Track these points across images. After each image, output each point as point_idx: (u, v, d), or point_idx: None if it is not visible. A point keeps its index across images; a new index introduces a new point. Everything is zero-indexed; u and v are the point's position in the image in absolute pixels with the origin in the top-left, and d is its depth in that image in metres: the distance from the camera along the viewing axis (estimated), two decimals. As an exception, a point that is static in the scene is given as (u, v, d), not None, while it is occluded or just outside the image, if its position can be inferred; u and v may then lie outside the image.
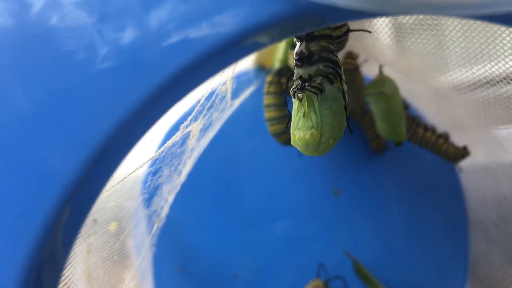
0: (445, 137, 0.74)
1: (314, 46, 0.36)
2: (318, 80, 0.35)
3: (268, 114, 0.70)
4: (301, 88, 0.35)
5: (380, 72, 0.66)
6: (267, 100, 0.70)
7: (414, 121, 0.75)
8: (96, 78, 0.26)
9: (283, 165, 0.83)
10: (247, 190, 0.83)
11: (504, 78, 0.56)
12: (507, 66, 0.52)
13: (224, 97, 0.59)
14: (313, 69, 0.35)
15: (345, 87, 0.36)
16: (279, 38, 0.31)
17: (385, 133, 0.66)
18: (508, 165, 0.69)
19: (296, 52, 0.37)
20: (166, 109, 0.30)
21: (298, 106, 0.36)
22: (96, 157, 0.26)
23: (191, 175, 0.75)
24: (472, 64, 0.58)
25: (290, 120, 0.67)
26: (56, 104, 0.26)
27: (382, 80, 0.64)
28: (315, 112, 0.35)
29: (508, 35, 0.47)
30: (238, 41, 0.28)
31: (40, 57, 0.27)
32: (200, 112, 0.46)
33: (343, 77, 0.36)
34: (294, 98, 0.36)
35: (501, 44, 0.49)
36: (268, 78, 0.70)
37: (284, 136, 0.70)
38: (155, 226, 0.60)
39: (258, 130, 0.79)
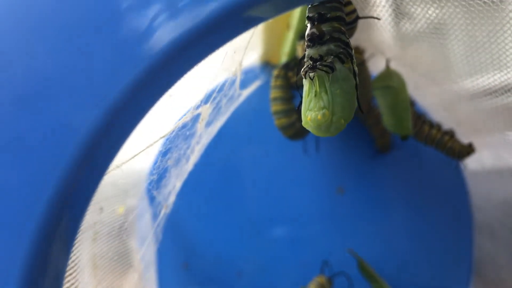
0: (450, 134, 0.74)
1: (325, 27, 0.36)
2: (330, 59, 0.35)
3: (274, 107, 0.70)
4: (313, 68, 0.35)
5: (387, 66, 0.66)
6: (273, 93, 0.70)
7: (420, 118, 0.75)
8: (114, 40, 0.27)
9: (288, 162, 0.83)
10: (252, 188, 0.83)
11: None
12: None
13: (233, 83, 0.60)
14: (324, 49, 0.36)
15: (356, 67, 0.37)
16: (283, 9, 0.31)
17: (391, 127, 0.66)
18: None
19: (307, 34, 0.37)
20: (175, 79, 0.30)
21: (309, 87, 0.36)
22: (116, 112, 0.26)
23: (196, 170, 0.75)
24: (477, 75, 0.59)
25: (297, 111, 0.68)
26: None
27: (389, 74, 0.64)
28: (326, 92, 0.35)
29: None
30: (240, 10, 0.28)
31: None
32: (210, 96, 0.46)
33: (354, 57, 0.36)
34: (305, 78, 0.36)
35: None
36: (275, 72, 0.70)
37: (290, 130, 0.70)
38: (162, 211, 0.60)
39: (264, 125, 0.79)
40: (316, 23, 0.36)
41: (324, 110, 0.35)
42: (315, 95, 0.35)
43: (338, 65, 0.35)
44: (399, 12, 0.57)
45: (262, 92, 0.78)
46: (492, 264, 0.78)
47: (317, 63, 0.35)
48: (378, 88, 0.64)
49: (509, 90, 0.58)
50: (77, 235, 0.53)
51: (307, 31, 0.36)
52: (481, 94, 0.63)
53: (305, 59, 0.37)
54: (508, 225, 0.73)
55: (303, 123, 0.37)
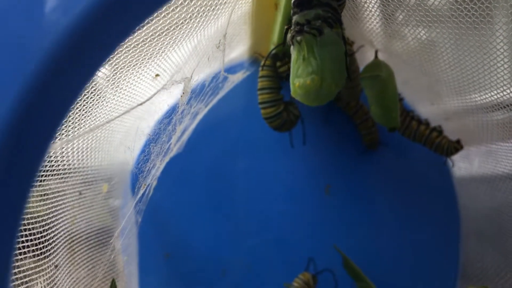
0: (439, 130, 0.74)
1: None
2: (318, 23, 0.34)
3: (261, 97, 0.69)
4: (300, 31, 0.34)
5: (376, 56, 0.65)
6: (261, 83, 0.69)
7: (408, 115, 0.75)
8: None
9: (276, 158, 0.82)
10: (238, 185, 0.81)
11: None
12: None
13: (218, 73, 0.59)
14: (311, 13, 0.35)
15: (345, 33, 0.36)
16: None
17: (379, 119, 0.65)
18: (503, 156, 0.68)
19: (294, 0, 0.36)
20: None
21: (297, 53, 0.35)
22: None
23: (183, 164, 0.74)
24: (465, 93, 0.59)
25: (283, 103, 0.67)
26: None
27: (377, 64, 0.64)
28: (315, 57, 0.34)
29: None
30: None
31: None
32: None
33: (343, 22, 0.36)
34: (293, 43, 0.35)
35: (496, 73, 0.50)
36: (262, 62, 0.70)
37: (276, 121, 0.69)
38: (140, 192, 0.58)
39: (252, 121, 0.78)
40: None
41: (313, 75, 0.34)
42: (303, 60, 0.34)
43: (326, 30, 0.34)
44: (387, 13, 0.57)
45: (250, 85, 0.77)
46: (479, 261, 0.77)
47: (305, 26, 0.34)
48: (366, 78, 0.64)
49: (498, 105, 0.58)
50: (54, 217, 0.51)
51: None
52: (472, 105, 0.64)
53: (292, 27, 0.36)
54: (495, 227, 0.73)
55: (291, 92, 0.36)
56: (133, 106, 0.43)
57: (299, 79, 0.34)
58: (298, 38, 0.34)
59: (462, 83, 0.60)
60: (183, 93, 0.45)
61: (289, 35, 0.35)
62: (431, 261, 0.83)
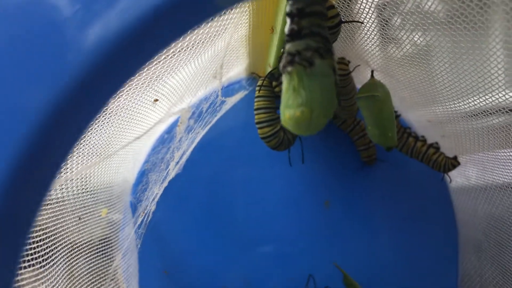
0: (436, 147, 0.75)
1: (305, 22, 0.36)
2: (308, 54, 0.34)
3: (258, 117, 0.70)
4: (290, 62, 0.34)
5: (372, 76, 0.66)
6: (257, 103, 0.70)
7: (406, 131, 0.75)
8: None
9: (274, 176, 0.83)
10: (238, 202, 0.82)
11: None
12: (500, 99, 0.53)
13: (217, 94, 0.59)
14: (302, 43, 0.35)
15: (336, 64, 0.36)
16: None
17: (376, 138, 0.66)
18: (500, 173, 0.69)
19: (287, 30, 0.36)
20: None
21: (287, 83, 0.35)
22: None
23: (182, 182, 0.74)
24: (461, 98, 0.60)
25: (279, 123, 0.67)
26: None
27: (373, 84, 0.64)
28: (305, 89, 0.34)
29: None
30: None
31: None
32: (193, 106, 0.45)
33: (334, 53, 0.36)
34: (284, 73, 0.35)
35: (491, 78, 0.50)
36: (259, 81, 0.70)
37: (273, 140, 0.69)
38: (139, 219, 0.59)
39: (251, 139, 0.79)
40: (295, 18, 0.36)
41: (302, 107, 0.34)
42: (293, 91, 0.34)
43: (317, 61, 0.34)
44: (383, 27, 0.57)
45: (248, 104, 0.78)
46: (478, 277, 0.77)
47: (296, 57, 0.34)
48: (363, 98, 0.64)
49: (494, 112, 0.58)
50: (53, 244, 0.52)
51: (287, 27, 0.36)
52: (467, 116, 0.64)
53: (284, 56, 0.36)
54: (493, 238, 0.73)
55: (282, 121, 0.36)
56: (132, 140, 0.43)
57: (289, 110, 0.35)
58: (289, 69, 0.34)
59: (457, 96, 0.60)
60: (181, 122, 0.46)
61: (281, 64, 0.35)
62: (430, 275, 0.83)
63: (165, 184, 0.60)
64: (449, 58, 0.52)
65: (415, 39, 0.55)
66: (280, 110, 0.36)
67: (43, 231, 0.51)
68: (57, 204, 0.52)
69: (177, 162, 0.57)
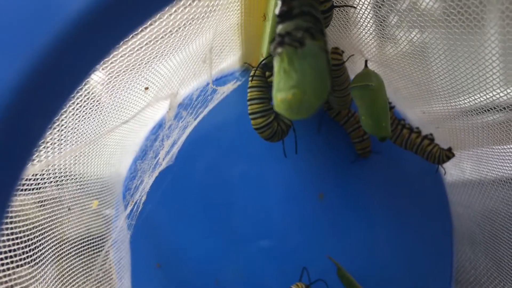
0: (430, 138, 0.74)
1: (296, 2, 0.35)
2: (299, 34, 0.34)
3: (251, 107, 0.69)
4: (280, 43, 0.34)
5: (366, 66, 0.65)
6: (250, 94, 0.69)
7: (400, 123, 0.75)
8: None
9: (268, 168, 0.82)
10: (231, 194, 0.81)
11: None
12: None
13: (206, 87, 0.59)
14: (292, 24, 0.34)
15: (328, 45, 0.35)
16: None
17: (369, 128, 0.65)
18: (495, 164, 0.68)
19: (277, 11, 0.36)
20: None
21: (278, 65, 0.34)
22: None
23: (174, 174, 0.74)
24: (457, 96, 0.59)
25: (274, 113, 0.66)
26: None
27: (367, 73, 0.64)
28: (296, 70, 0.34)
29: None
30: None
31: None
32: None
33: (325, 33, 0.35)
34: (274, 55, 0.34)
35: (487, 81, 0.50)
36: (252, 72, 0.69)
37: (266, 131, 0.69)
38: (129, 207, 0.58)
39: (244, 130, 0.78)
40: None
41: (294, 90, 0.33)
42: (284, 73, 0.34)
43: (308, 41, 0.34)
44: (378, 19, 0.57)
45: (241, 96, 0.77)
46: (472, 270, 0.77)
47: (285, 38, 0.33)
48: (356, 88, 0.63)
49: (490, 110, 0.58)
50: (43, 238, 0.51)
51: (277, 9, 0.35)
52: (463, 113, 0.64)
53: (275, 37, 0.35)
54: (488, 231, 0.72)
55: (275, 106, 0.35)
56: (120, 123, 0.42)
57: (281, 93, 0.34)
58: (279, 50, 0.33)
59: (452, 91, 0.60)
60: (170, 108, 0.45)
61: (271, 46, 0.34)
62: (424, 268, 0.83)
63: (156, 173, 0.60)
64: (444, 51, 0.52)
65: (412, 36, 0.55)
66: (273, 95, 0.35)
67: (33, 225, 0.50)
68: (45, 195, 0.51)
69: (168, 152, 0.56)
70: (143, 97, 0.54)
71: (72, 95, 0.26)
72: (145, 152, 0.56)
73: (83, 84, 0.27)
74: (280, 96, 0.34)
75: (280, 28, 0.35)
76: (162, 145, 0.55)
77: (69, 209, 0.57)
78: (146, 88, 0.52)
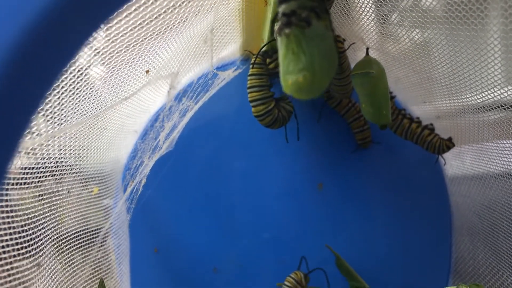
0: (430, 128, 0.74)
1: None
2: (305, 13, 0.33)
3: (251, 95, 0.68)
4: (287, 24, 0.33)
5: (367, 54, 0.65)
6: (250, 81, 0.69)
7: (400, 113, 0.75)
8: None
9: (269, 157, 0.82)
10: (231, 182, 0.81)
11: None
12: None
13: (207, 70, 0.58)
14: (296, 3, 0.34)
15: (333, 23, 0.35)
16: None
17: (370, 116, 0.65)
18: (495, 155, 0.68)
19: None
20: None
21: (285, 47, 0.34)
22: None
23: (175, 161, 0.73)
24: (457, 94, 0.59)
25: (274, 100, 0.66)
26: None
27: (368, 61, 0.63)
28: (304, 52, 0.33)
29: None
30: None
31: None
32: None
33: (330, 12, 0.35)
34: (280, 36, 0.34)
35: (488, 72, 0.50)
36: (252, 59, 0.69)
37: (267, 118, 0.68)
38: (128, 189, 0.58)
39: (244, 119, 0.78)
40: None
41: (304, 72, 0.33)
42: (293, 55, 0.33)
43: (314, 21, 0.33)
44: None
45: (242, 85, 0.77)
46: (471, 259, 0.77)
47: (292, 18, 0.33)
48: (357, 75, 0.63)
49: (490, 105, 0.58)
50: (43, 227, 0.51)
51: None
52: (464, 109, 0.64)
53: (278, 18, 0.35)
54: (487, 220, 0.72)
55: (283, 88, 0.35)
56: (119, 100, 0.42)
57: (291, 76, 0.33)
58: (287, 31, 0.33)
59: (454, 81, 0.60)
60: (170, 88, 0.45)
61: (276, 27, 0.34)
62: (423, 258, 0.83)
63: (156, 156, 0.59)
64: (447, 34, 0.52)
65: (413, 34, 0.55)
66: (281, 77, 0.35)
67: (32, 219, 0.50)
68: (43, 188, 0.51)
69: (168, 135, 0.56)
70: (143, 80, 0.53)
71: (73, 60, 0.26)
72: (146, 132, 0.55)
73: (82, 47, 0.27)
74: (290, 79, 0.34)
75: (283, 7, 0.34)
76: (163, 126, 0.55)
77: (68, 191, 0.57)
78: (147, 71, 0.51)
